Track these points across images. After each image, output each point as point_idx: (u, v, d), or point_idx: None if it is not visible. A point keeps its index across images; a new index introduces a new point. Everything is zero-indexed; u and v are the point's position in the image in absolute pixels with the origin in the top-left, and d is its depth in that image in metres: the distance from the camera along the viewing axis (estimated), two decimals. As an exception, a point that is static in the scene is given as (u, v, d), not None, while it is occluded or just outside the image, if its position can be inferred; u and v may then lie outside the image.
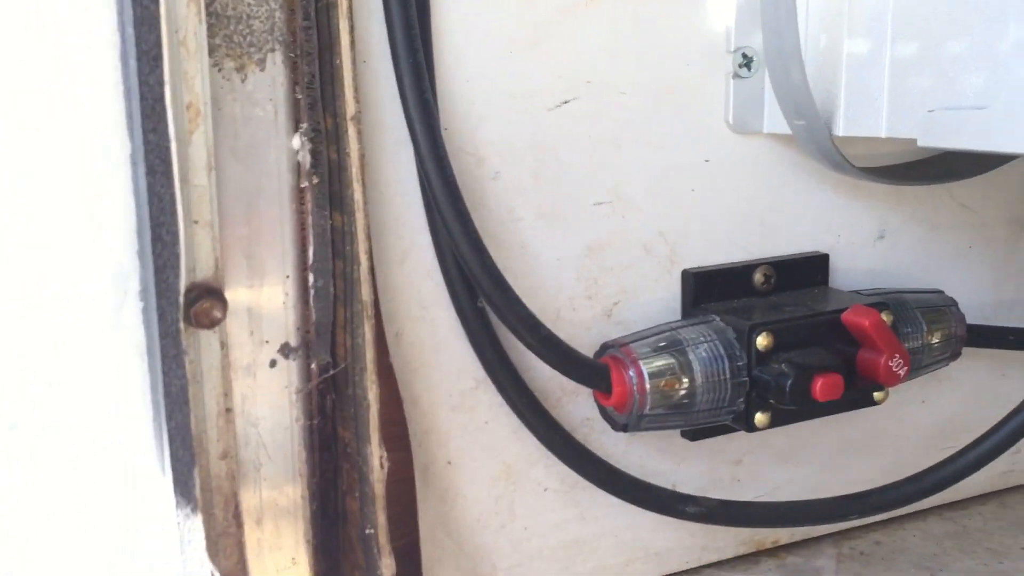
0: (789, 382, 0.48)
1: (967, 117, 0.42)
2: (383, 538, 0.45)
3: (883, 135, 0.47)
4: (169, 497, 0.40)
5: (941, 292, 0.57)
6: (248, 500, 0.46)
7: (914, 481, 0.54)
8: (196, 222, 0.41)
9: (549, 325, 0.50)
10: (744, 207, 0.54)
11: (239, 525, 0.45)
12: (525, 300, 0.49)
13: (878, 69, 0.46)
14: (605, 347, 0.50)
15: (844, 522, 0.57)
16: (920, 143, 0.44)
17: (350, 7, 0.42)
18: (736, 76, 0.51)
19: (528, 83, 0.48)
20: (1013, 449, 0.66)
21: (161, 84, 0.37)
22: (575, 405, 0.52)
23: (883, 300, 0.53)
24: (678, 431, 0.54)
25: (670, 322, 0.51)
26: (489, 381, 0.49)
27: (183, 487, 0.40)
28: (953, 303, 0.56)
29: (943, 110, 0.43)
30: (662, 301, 0.53)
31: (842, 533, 0.61)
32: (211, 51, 0.41)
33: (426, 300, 0.48)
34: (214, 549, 0.44)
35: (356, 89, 0.43)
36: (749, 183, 0.54)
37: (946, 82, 0.43)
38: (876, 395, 0.53)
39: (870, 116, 0.47)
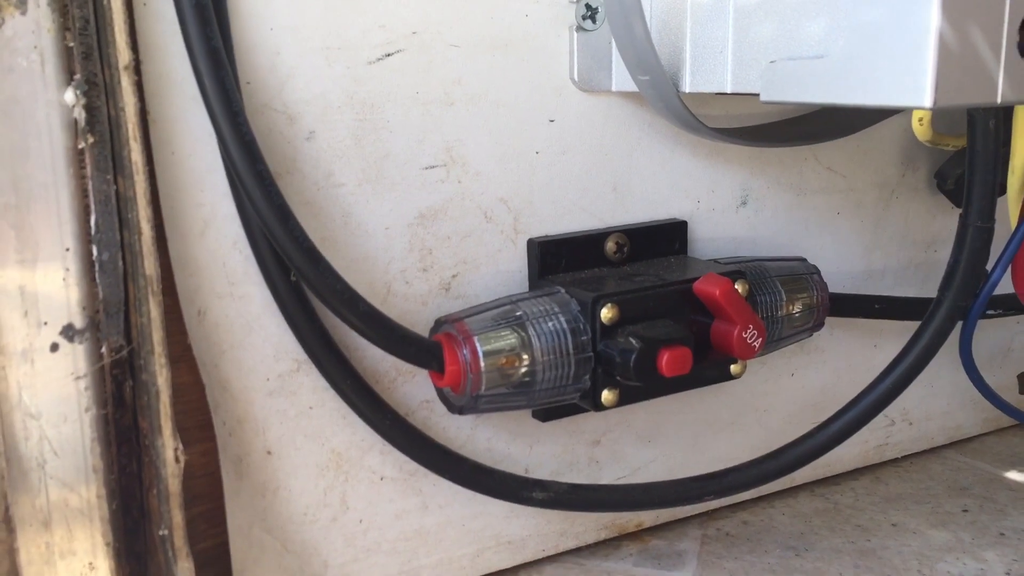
0: (633, 356, 0.45)
1: (807, 67, 0.39)
2: (179, 540, 0.40)
3: (728, 90, 0.43)
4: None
5: (804, 260, 0.54)
6: (31, 501, 0.41)
7: (773, 458, 0.51)
8: (-59, 187, 0.36)
9: (379, 300, 0.46)
10: (594, 171, 0.50)
11: (10, 530, 0.40)
12: (351, 274, 0.45)
13: (722, 18, 0.43)
14: (439, 323, 0.46)
15: (700, 503, 0.54)
16: (762, 98, 0.41)
17: (120, -59, 0.37)
18: (580, 29, 0.48)
19: (345, 33, 0.43)
20: (887, 422, 0.65)
21: None
22: (412, 386, 0.48)
23: (740, 268, 0.50)
24: (529, 412, 0.51)
25: (510, 295, 0.47)
26: (311, 363, 0.45)
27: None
28: (815, 271, 0.53)
29: (784, 61, 0.40)
30: (507, 273, 0.49)
31: (709, 514, 0.58)
32: (-45, -10, 0.36)
33: (233, 275, 0.43)
34: (-19, 558, 0.39)
35: (131, 35, 0.38)
36: (599, 145, 0.50)
37: (787, 30, 0.40)
38: (733, 368, 0.50)
39: (716, 70, 0.44)
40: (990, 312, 0.57)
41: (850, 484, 0.62)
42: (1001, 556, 0.53)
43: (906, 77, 0.35)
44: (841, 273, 0.59)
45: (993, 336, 0.68)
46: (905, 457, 0.66)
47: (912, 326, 0.53)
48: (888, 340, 0.62)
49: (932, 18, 0.34)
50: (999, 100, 0.36)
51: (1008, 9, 0.36)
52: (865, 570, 0.52)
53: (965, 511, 0.58)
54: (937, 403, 0.66)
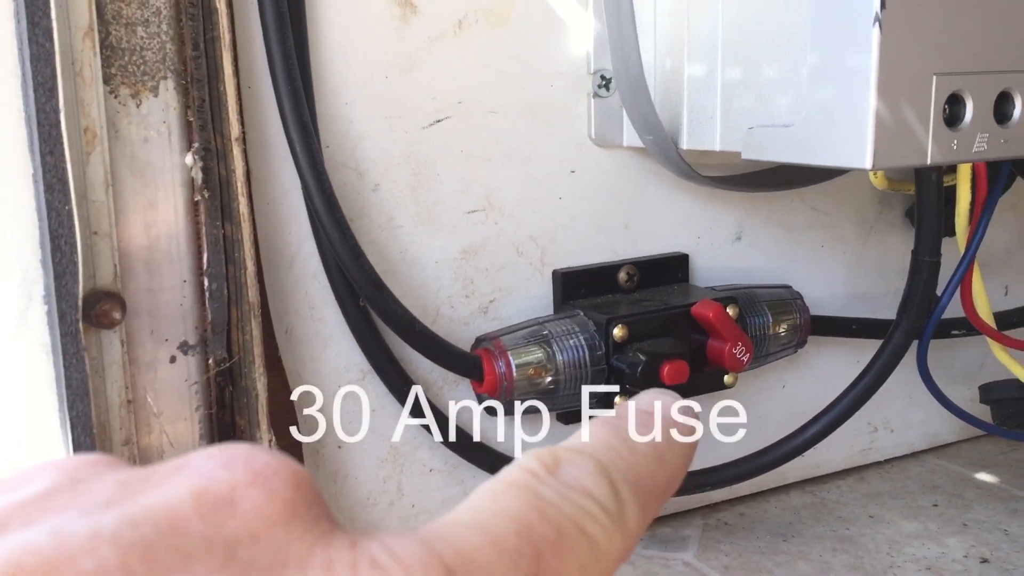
0: (640, 368, 0.54)
1: (778, 134, 0.48)
2: (272, 513, 0.50)
3: (717, 149, 0.53)
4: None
5: (789, 287, 0.63)
6: (152, 483, 0.51)
7: (761, 455, 0.60)
8: (95, 233, 0.46)
9: (430, 322, 0.56)
10: (609, 213, 0.60)
11: (141, 504, 0.49)
12: (408, 300, 0.54)
13: (712, 90, 0.53)
14: (479, 340, 0.56)
15: (700, 493, 0.63)
16: (743, 156, 0.50)
17: (233, 40, 0.47)
18: (596, 96, 0.57)
19: (404, 104, 0.53)
20: (870, 429, 0.73)
21: (56, 112, 0.42)
22: (456, 392, 0.58)
23: (732, 295, 0.59)
24: (554, 415, 0.60)
25: (538, 317, 0.57)
26: (374, 373, 0.54)
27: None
28: (799, 296, 0.62)
29: (760, 127, 0.49)
30: (535, 298, 0.59)
31: (712, 506, 0.67)
32: (107, 80, 0.46)
33: (313, 300, 0.53)
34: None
35: (239, 113, 0.48)
36: (612, 191, 0.60)
37: (763, 102, 0.49)
38: (726, 379, 0.59)
39: (707, 132, 0.53)
40: (955, 332, 0.66)
41: (836, 483, 0.71)
42: (961, 542, 0.61)
43: (851, 144, 0.44)
44: (826, 298, 0.68)
45: (968, 353, 0.76)
46: (888, 460, 0.74)
47: (884, 344, 0.62)
48: (869, 356, 0.71)
49: (870, 98, 0.43)
50: (928, 162, 0.45)
51: (934, 87, 0.45)
52: (841, 552, 0.60)
53: (935, 505, 0.67)
54: (916, 413, 0.75)
